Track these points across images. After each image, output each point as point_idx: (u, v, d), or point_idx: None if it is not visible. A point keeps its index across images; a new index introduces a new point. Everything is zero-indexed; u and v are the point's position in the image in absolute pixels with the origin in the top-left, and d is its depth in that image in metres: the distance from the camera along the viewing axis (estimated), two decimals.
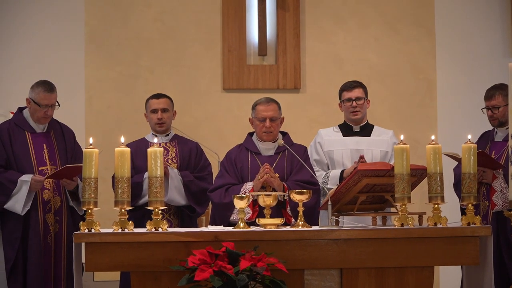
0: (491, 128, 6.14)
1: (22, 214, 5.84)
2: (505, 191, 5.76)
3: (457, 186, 5.92)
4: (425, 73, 8.19)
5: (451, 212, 5.26)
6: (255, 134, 6.03)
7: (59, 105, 6.07)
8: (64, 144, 6.13)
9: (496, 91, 6.01)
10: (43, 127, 6.11)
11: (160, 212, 4.99)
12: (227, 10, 8.06)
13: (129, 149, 5.10)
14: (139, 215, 5.86)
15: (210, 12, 8.07)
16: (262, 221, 5.20)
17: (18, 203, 5.84)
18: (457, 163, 5.88)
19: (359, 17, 8.18)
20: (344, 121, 6.31)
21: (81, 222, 5.04)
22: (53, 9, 7.89)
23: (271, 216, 5.27)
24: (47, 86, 6.00)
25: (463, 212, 5.69)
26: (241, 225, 5.10)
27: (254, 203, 5.52)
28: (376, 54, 8.17)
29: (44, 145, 6.06)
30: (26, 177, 5.86)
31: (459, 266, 5.56)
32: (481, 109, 6.13)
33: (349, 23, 8.19)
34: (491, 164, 5.80)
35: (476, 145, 5.29)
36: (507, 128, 6.04)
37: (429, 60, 8.20)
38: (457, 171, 5.96)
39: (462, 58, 8.18)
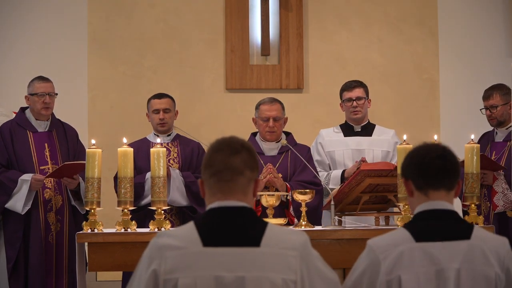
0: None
1: (23, 213, 5.85)
2: (506, 192, 5.75)
3: None
4: (429, 73, 8.18)
5: None
6: (258, 134, 6.02)
7: (56, 94, 6.13)
8: (66, 143, 6.14)
9: (494, 90, 6.04)
10: (45, 126, 6.12)
11: (162, 212, 4.99)
12: (230, 10, 8.05)
13: (131, 149, 5.11)
14: (142, 215, 5.85)
15: (213, 12, 8.07)
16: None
17: (18, 202, 5.84)
18: None
19: (363, 17, 8.17)
20: (345, 121, 6.30)
21: (84, 222, 5.05)
22: (56, 8, 7.88)
23: (274, 216, 5.27)
24: (40, 77, 6.16)
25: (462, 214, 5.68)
26: None
27: (257, 203, 5.51)
28: (379, 54, 8.16)
29: (46, 144, 6.07)
30: (27, 176, 5.87)
31: None
32: (480, 109, 6.13)
33: (352, 23, 8.18)
34: (491, 166, 5.79)
35: (479, 145, 5.28)
36: (507, 127, 6.03)
37: (432, 60, 8.19)
38: None
39: (465, 58, 8.17)
